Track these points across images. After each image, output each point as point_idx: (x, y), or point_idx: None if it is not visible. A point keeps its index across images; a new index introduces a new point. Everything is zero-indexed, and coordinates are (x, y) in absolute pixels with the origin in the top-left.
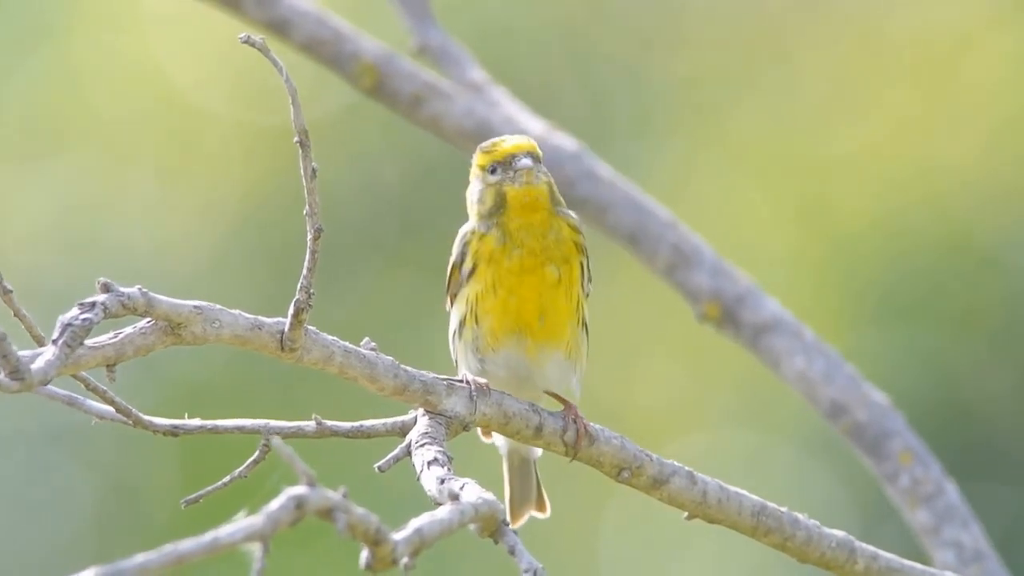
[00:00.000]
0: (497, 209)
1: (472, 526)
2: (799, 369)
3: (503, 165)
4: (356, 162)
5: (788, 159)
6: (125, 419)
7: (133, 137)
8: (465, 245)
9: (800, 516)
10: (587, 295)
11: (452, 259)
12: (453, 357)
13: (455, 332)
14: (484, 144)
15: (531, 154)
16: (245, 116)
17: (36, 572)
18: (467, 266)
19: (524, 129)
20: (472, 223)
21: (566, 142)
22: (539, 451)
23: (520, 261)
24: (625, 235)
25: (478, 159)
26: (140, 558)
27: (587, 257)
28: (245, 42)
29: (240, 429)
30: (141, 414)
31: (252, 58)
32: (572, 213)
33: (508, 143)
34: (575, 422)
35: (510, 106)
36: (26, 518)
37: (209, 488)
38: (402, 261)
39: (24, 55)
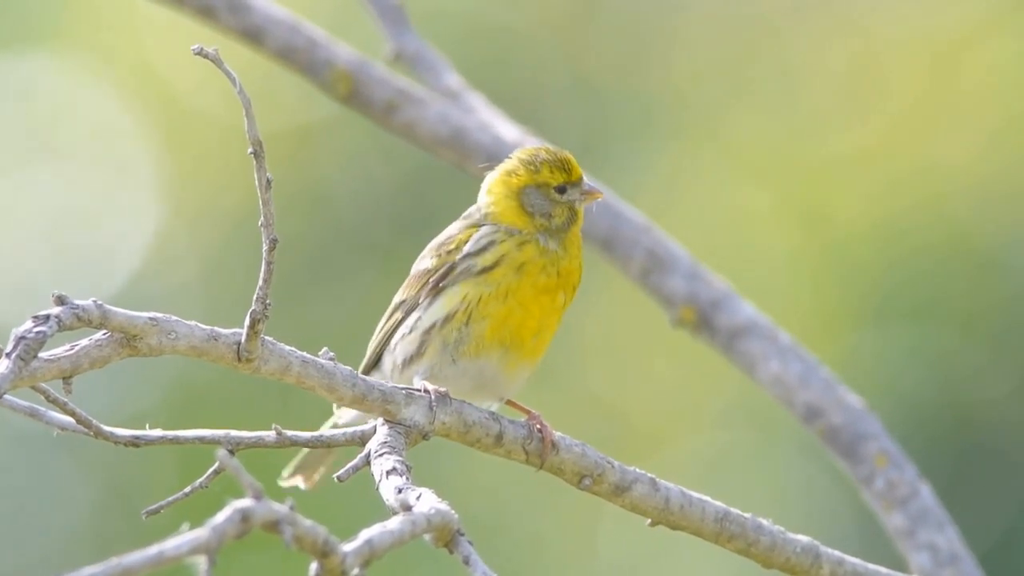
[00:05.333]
0: (567, 226)
1: (426, 536)
2: (774, 373)
3: (573, 185)
4: (349, 163)
5: (788, 161)
6: (86, 430)
7: (130, 140)
8: (491, 243)
9: (764, 521)
10: None
11: (466, 249)
12: (387, 342)
13: (434, 325)
14: (548, 159)
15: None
16: (242, 119)
17: (35, 573)
18: (484, 261)
19: (499, 135)
20: (502, 226)
21: None
22: None
23: (546, 281)
24: (599, 240)
25: (548, 175)
26: (87, 571)
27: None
28: (198, 53)
29: (201, 439)
30: (102, 425)
31: (249, 60)
32: None
33: (574, 163)
34: (539, 431)
35: (486, 112)
36: (25, 519)
37: (170, 499)
38: (397, 261)
39: (21, 58)
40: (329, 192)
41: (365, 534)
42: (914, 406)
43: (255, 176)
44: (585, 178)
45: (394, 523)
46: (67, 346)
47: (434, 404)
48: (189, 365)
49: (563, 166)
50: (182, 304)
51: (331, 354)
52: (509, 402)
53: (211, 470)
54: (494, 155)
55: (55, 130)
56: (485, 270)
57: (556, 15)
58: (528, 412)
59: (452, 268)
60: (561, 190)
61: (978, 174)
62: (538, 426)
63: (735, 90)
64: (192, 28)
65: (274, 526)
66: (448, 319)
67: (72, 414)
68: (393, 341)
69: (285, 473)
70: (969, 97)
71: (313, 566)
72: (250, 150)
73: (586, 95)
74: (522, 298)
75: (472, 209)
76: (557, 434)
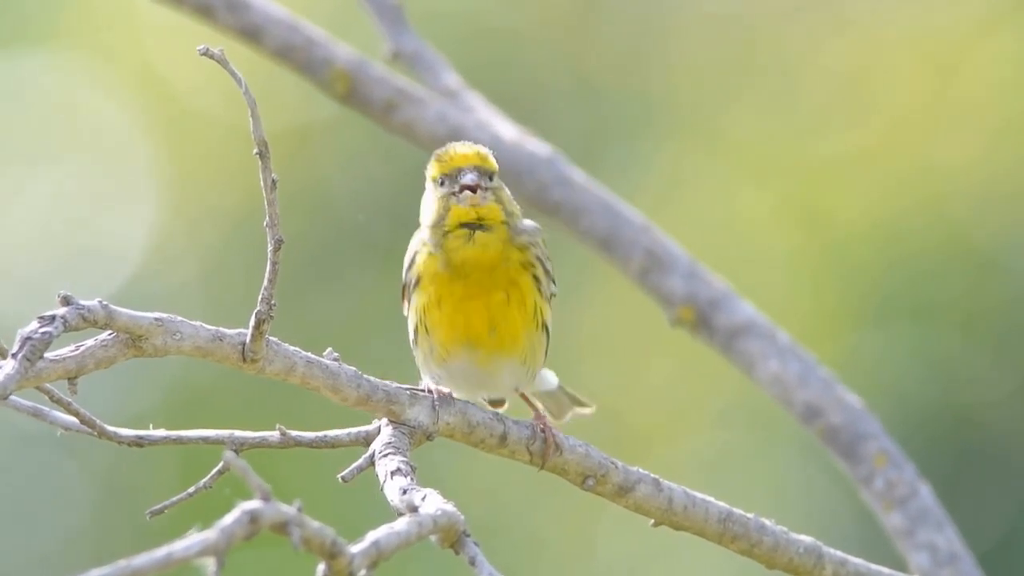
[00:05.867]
0: (440, 221)
1: (432, 537)
2: (773, 372)
3: (450, 178)
4: (349, 163)
5: (788, 161)
6: (90, 430)
7: (131, 141)
8: (415, 255)
9: (767, 522)
10: (551, 296)
11: (405, 264)
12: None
13: (412, 339)
14: (439, 150)
15: (479, 168)
16: (243, 119)
17: (35, 573)
18: (413, 275)
19: (497, 134)
20: (424, 233)
21: (539, 147)
22: (554, 382)
23: (464, 290)
24: (598, 240)
25: (431, 167)
26: (95, 573)
27: (542, 263)
28: (204, 54)
29: (205, 439)
30: (105, 425)
31: (250, 60)
32: (526, 224)
33: (458, 153)
34: (543, 431)
35: (484, 111)
36: (25, 519)
37: (174, 499)
38: (397, 261)
39: (22, 58)
40: (329, 192)
41: (372, 535)
42: (914, 407)
43: (260, 176)
44: (468, 169)
45: (400, 524)
46: (72, 347)
47: (437, 404)
48: (192, 365)
49: (443, 156)
50: (182, 304)
51: (335, 354)
52: (522, 395)
53: (215, 470)
54: None
55: (55, 130)
56: (418, 282)
57: (556, 15)
58: (535, 411)
59: (404, 282)
60: (442, 182)
61: (978, 175)
62: (542, 427)
63: (735, 90)
64: (192, 28)
65: (282, 528)
66: (415, 331)
67: (76, 414)
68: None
69: None
70: (969, 97)
71: (320, 567)
72: (255, 151)
73: (586, 95)
74: (454, 302)
75: None
76: (561, 435)
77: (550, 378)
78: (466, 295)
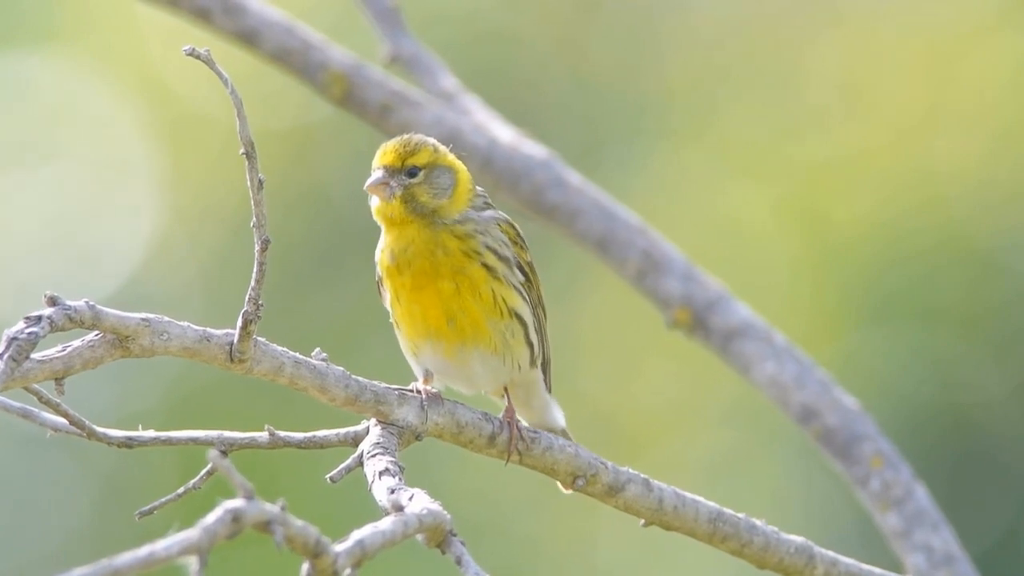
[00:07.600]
0: (377, 215)
1: (418, 537)
2: (770, 374)
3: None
4: (351, 164)
5: (786, 162)
6: (79, 431)
7: (131, 143)
8: (378, 251)
9: (758, 522)
10: (520, 284)
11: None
12: None
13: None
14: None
15: (387, 167)
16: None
17: (35, 573)
18: (377, 272)
19: (494, 137)
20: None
21: (536, 150)
22: (560, 422)
23: (412, 280)
24: (594, 242)
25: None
26: (78, 572)
27: (495, 251)
28: (190, 54)
29: (194, 440)
30: (95, 426)
31: (251, 62)
32: (483, 213)
33: (380, 151)
34: (509, 425)
35: (481, 114)
36: (25, 519)
37: (163, 499)
38: None
39: (22, 59)
40: (331, 193)
41: (356, 534)
42: (913, 408)
43: (247, 177)
44: (377, 169)
45: (386, 523)
46: (59, 347)
47: (425, 404)
48: (188, 365)
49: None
50: (182, 305)
51: (323, 355)
52: (505, 389)
53: (204, 471)
54: (489, 157)
55: (54, 130)
56: (381, 278)
57: (553, 19)
58: (507, 405)
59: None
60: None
61: (979, 176)
62: (508, 419)
63: (732, 91)
64: (193, 31)
65: (265, 526)
66: (394, 327)
67: (65, 415)
68: None
69: None
70: (970, 98)
71: (304, 566)
72: (242, 151)
73: (582, 97)
74: (407, 296)
75: None
76: (549, 435)
77: (556, 414)
78: (415, 286)
